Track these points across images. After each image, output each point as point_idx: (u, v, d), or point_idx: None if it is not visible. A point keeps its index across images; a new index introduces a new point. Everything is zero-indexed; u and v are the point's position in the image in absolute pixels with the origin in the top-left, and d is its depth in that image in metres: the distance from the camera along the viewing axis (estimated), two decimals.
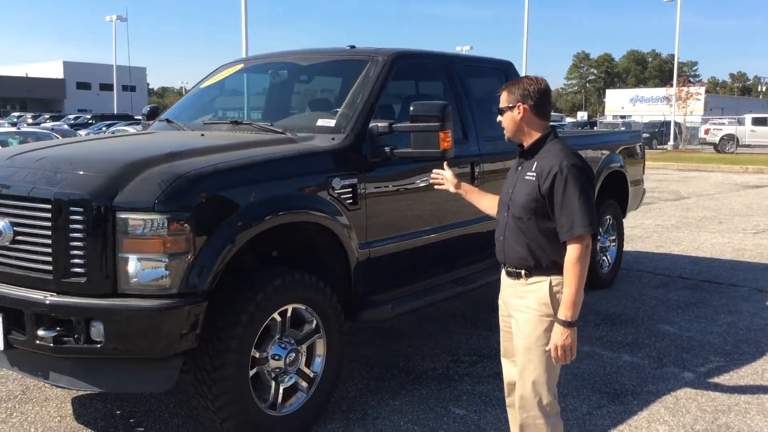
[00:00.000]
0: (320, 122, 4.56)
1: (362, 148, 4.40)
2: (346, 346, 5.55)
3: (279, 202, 3.82)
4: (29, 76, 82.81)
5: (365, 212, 4.37)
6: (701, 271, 8.46)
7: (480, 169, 5.34)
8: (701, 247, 10.05)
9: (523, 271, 3.14)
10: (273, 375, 3.92)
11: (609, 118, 63.61)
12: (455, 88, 5.36)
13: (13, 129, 19.17)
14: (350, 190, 4.26)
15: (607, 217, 7.52)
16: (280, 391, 3.95)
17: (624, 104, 77.51)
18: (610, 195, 7.56)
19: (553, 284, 3.08)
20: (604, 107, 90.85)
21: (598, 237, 7.27)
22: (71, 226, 3.46)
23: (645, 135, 43.11)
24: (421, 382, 4.90)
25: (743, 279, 8.07)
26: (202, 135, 4.58)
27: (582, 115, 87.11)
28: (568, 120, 79.26)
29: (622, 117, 62.12)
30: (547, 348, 3.02)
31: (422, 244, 4.89)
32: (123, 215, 3.40)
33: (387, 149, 4.43)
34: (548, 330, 3.05)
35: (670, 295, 7.31)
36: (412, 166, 4.72)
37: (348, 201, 4.25)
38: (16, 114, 60.90)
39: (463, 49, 66.31)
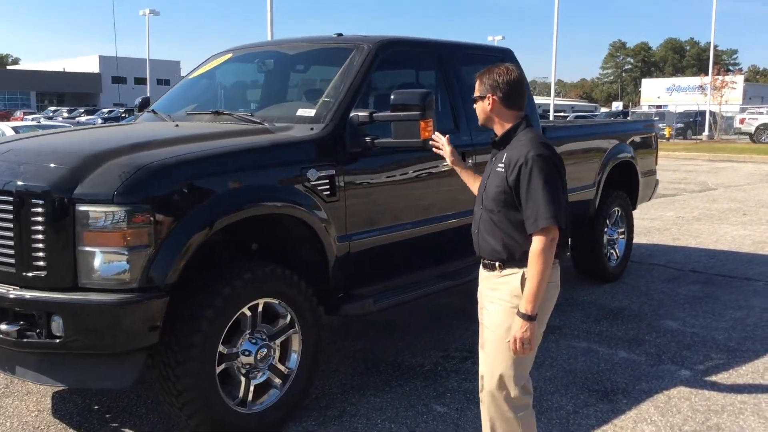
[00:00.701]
0: (300, 112, 4.47)
1: (343, 139, 4.30)
2: (337, 340, 5.55)
3: (247, 194, 3.73)
4: (66, 70, 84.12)
5: (344, 204, 4.27)
6: (716, 265, 8.21)
7: (473, 160, 5.18)
8: (720, 240, 9.77)
9: (497, 263, 3.09)
10: (243, 371, 3.84)
11: (645, 108, 62.68)
12: (447, 77, 5.22)
13: (32, 123, 19.41)
14: (327, 181, 4.15)
15: (615, 209, 7.32)
16: (251, 387, 3.87)
17: (660, 94, 76.31)
18: (619, 186, 7.36)
19: (525, 276, 3.00)
20: (640, 97, 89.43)
21: (604, 229, 7.10)
22: (32, 218, 3.42)
23: (679, 125, 42.46)
24: (407, 378, 4.79)
25: (759, 273, 7.81)
26: (177, 126, 4.51)
27: (617, 105, 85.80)
28: (603, 110, 78.19)
29: (658, 107, 61.19)
30: (507, 340, 2.96)
31: (407, 238, 4.77)
32: (83, 207, 3.34)
33: (368, 139, 4.32)
34: (517, 323, 2.97)
35: (679, 290, 7.09)
36: (396, 157, 4.61)
37: (325, 193, 4.14)
38: (53, 108, 61.98)
39: (495, 39, 65.69)
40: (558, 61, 39.89)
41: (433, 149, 3.82)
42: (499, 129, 3.17)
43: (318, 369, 4.26)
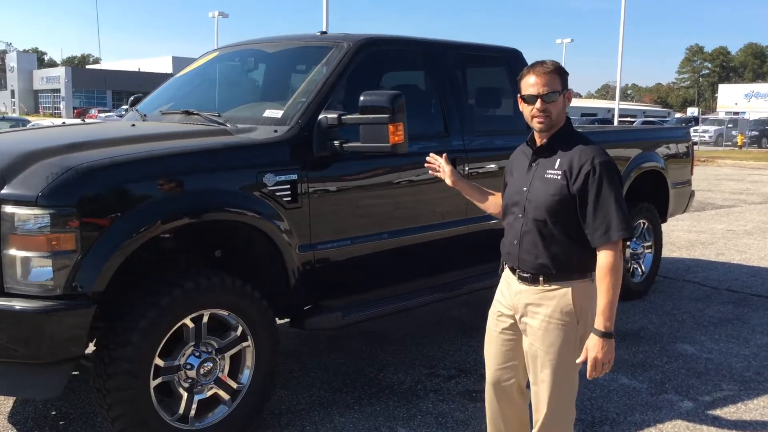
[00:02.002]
0: (267, 113, 4.24)
1: (309, 142, 4.04)
2: (323, 351, 5.30)
3: (187, 199, 3.51)
4: (141, 70, 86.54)
5: (308, 212, 4.02)
6: (755, 284, 7.62)
7: (465, 166, 4.87)
8: None
9: (541, 277, 2.86)
10: (186, 385, 3.63)
11: (721, 114, 60.43)
12: (439, 78, 4.91)
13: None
14: (288, 187, 3.91)
15: (641, 221, 6.85)
16: (194, 403, 3.66)
17: (738, 100, 73.52)
18: (645, 197, 6.89)
19: (574, 289, 2.82)
20: (716, 103, 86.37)
21: (628, 243, 6.64)
22: None
23: (753, 133, 40.66)
24: (381, 396, 4.51)
25: None
26: (133, 125, 4.35)
27: (692, 111, 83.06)
28: (677, 116, 75.76)
29: (735, 113, 58.94)
30: (579, 360, 2.79)
31: (385, 249, 4.49)
32: (8, 209, 3.19)
33: (336, 143, 4.06)
34: (571, 340, 2.84)
35: (707, 310, 6.58)
36: (371, 163, 4.34)
37: (285, 199, 3.90)
38: (125, 107, 63.75)
39: (563, 41, 64.43)
40: (632, 64, 38.80)
41: (430, 172, 3.51)
42: (551, 131, 2.89)
43: (275, 385, 4.02)
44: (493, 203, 3.35)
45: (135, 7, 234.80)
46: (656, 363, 5.18)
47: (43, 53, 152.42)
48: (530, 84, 2.84)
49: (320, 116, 4.08)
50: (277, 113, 4.18)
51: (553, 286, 2.86)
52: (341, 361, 5.13)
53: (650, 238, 7.01)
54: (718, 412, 4.36)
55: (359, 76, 4.52)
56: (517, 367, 3.09)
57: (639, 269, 6.95)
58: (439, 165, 3.43)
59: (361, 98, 3.95)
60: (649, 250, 7.03)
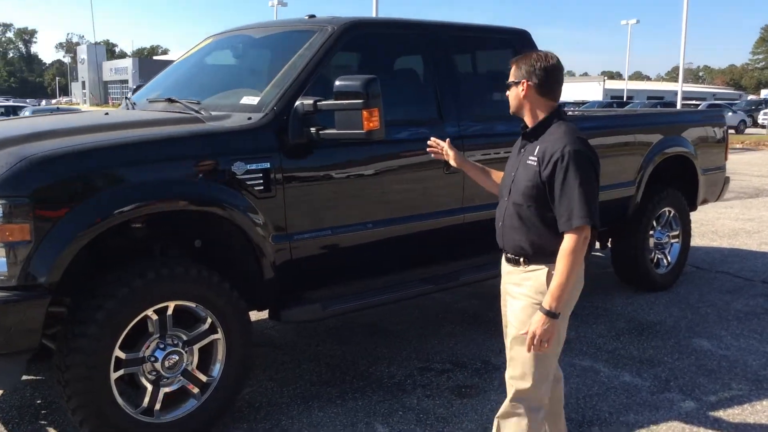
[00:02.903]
0: (244, 100, 4.14)
1: (285, 129, 3.93)
2: (320, 342, 5.21)
3: (147, 188, 3.43)
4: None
5: (283, 201, 3.91)
6: None
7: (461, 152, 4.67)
8: None
9: (521, 258, 3.00)
10: (152, 378, 3.58)
11: None
12: (434, 61, 4.72)
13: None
14: (260, 175, 3.81)
15: (666, 209, 6.52)
16: (160, 395, 3.61)
17: None
18: (671, 184, 6.56)
19: (551, 272, 2.88)
20: None
21: (651, 232, 6.36)
22: None
23: None
24: (367, 390, 4.39)
25: None
26: (106, 114, 4.31)
27: (766, 93, 79.81)
28: (750, 97, 72.86)
29: None
30: (522, 332, 2.90)
31: (369, 239, 4.35)
32: None
33: (313, 130, 3.94)
34: None
35: (734, 303, 6.23)
36: (353, 150, 4.19)
37: (258, 188, 3.80)
38: None
39: (629, 22, 62.55)
40: (704, 45, 37.39)
41: (433, 156, 3.60)
42: (530, 119, 3.03)
43: (247, 378, 3.95)
44: (494, 184, 3.45)
45: None
46: (666, 359, 4.91)
47: (114, 45, 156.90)
48: None
49: (297, 103, 3.96)
50: (254, 100, 4.08)
51: (532, 267, 2.97)
52: (337, 353, 5.03)
53: (677, 227, 6.67)
54: (720, 413, 4.09)
55: (345, 61, 4.39)
56: None
57: (664, 260, 6.62)
58: (442, 148, 3.51)
59: (336, 83, 3.82)
60: (676, 240, 6.69)
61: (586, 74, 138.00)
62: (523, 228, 2.96)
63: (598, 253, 7.13)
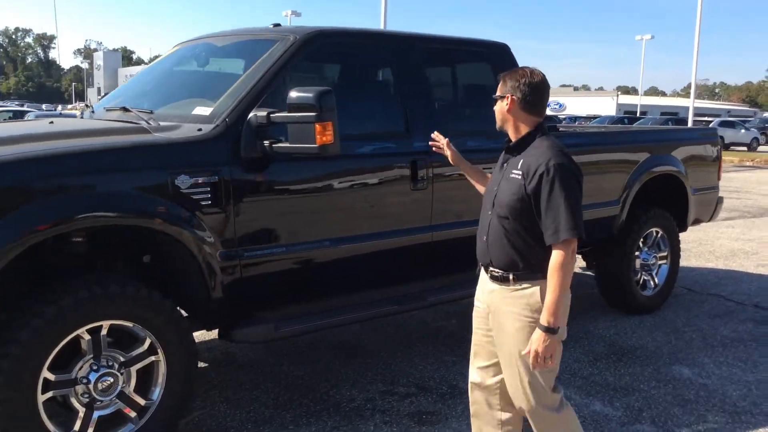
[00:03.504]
0: (197, 110, 3.98)
1: (237, 142, 3.77)
2: (285, 363, 5.03)
3: (76, 202, 3.26)
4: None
5: (233, 216, 3.74)
6: None
7: (429, 171, 4.49)
8: None
9: (511, 275, 2.97)
10: (85, 400, 3.41)
11: None
12: (402, 74, 4.55)
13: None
14: (208, 189, 3.65)
15: (654, 229, 6.31)
16: (93, 419, 3.43)
17: None
18: (659, 203, 6.34)
19: (542, 288, 2.90)
20: None
21: (637, 253, 6.15)
22: None
23: None
24: (323, 415, 4.20)
25: None
26: (51, 122, 4.16)
27: None
28: (765, 114, 72.23)
29: None
30: (524, 352, 2.88)
31: (329, 257, 4.17)
32: None
33: (266, 143, 3.78)
34: None
35: (722, 328, 6.00)
36: (311, 165, 4.01)
37: (204, 203, 3.64)
38: None
39: (643, 38, 62.19)
40: (720, 61, 37.10)
41: (434, 149, 3.72)
42: (514, 133, 3.07)
43: (189, 401, 3.77)
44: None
45: (214, 6, 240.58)
46: (642, 387, 4.69)
47: (132, 52, 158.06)
48: None
49: (250, 114, 3.80)
50: (206, 111, 3.92)
51: (523, 285, 2.95)
52: (300, 374, 4.84)
53: (665, 248, 6.45)
54: None
55: (307, 72, 4.24)
56: (497, 366, 3.17)
57: (651, 282, 6.41)
58: (442, 144, 3.62)
59: (289, 95, 3.67)
60: (664, 261, 6.47)
61: (601, 89, 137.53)
62: (509, 242, 2.95)
63: (588, 273, 6.91)
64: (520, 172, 2.92)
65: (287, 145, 3.72)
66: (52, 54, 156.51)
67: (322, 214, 4.12)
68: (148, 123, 3.89)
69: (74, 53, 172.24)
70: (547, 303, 2.81)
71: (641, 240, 6.22)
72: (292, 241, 4.00)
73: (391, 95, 4.58)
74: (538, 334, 2.81)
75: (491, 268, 3.04)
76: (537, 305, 2.89)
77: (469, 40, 5.19)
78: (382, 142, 4.39)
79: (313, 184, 4.08)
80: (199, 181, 3.62)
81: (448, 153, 3.60)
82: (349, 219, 4.23)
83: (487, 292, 3.10)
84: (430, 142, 3.68)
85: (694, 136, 6.87)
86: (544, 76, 3.07)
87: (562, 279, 2.79)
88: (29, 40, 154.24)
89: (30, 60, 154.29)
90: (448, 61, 5.07)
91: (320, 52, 4.29)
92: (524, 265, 2.93)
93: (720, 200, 7.07)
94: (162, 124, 3.89)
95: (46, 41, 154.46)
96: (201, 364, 5.01)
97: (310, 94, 3.59)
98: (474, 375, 3.30)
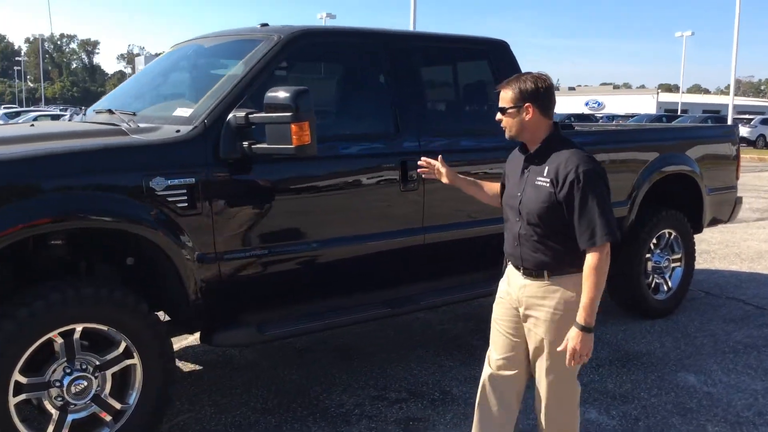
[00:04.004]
0: (177, 111, 3.95)
1: (216, 143, 3.73)
2: (279, 365, 4.97)
3: (44, 205, 3.24)
4: None
5: (211, 218, 3.70)
6: None
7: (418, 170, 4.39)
8: None
9: (545, 272, 3.02)
10: (59, 404, 3.40)
11: None
12: (391, 73, 4.45)
13: None
14: (184, 191, 3.61)
15: (666, 231, 6.11)
16: (68, 422, 3.42)
17: None
18: (672, 204, 6.15)
19: (576, 282, 2.94)
20: None
21: (648, 255, 5.98)
22: None
23: None
24: (308, 420, 4.14)
25: None
26: (32, 125, 4.16)
27: None
28: None
29: None
30: (559, 349, 2.94)
31: (315, 260, 4.11)
32: None
33: (246, 144, 3.73)
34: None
35: (735, 334, 5.78)
36: (294, 166, 3.96)
37: (181, 205, 3.60)
38: None
39: (683, 34, 60.89)
40: (734, 60, 36.45)
41: (423, 176, 3.66)
42: (533, 141, 3.06)
43: (167, 406, 3.73)
44: (492, 195, 3.48)
45: (256, 8, 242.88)
46: (642, 395, 4.53)
47: None
48: (500, 98, 3.07)
49: (230, 115, 3.76)
50: (187, 112, 3.89)
51: (557, 279, 2.99)
52: (293, 378, 4.79)
53: (679, 250, 6.25)
54: None
55: (291, 72, 4.18)
56: (515, 360, 3.21)
57: (664, 285, 6.20)
58: (433, 167, 3.48)
59: (267, 95, 3.62)
60: (678, 264, 6.27)
61: (643, 86, 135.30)
62: (543, 246, 3.00)
63: None
64: (548, 180, 2.95)
65: (265, 146, 3.67)
66: (97, 59, 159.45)
67: (306, 216, 4.06)
68: (128, 125, 3.87)
69: (117, 58, 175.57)
70: (583, 303, 2.87)
71: (653, 242, 6.04)
72: (274, 243, 3.95)
73: (381, 95, 4.49)
74: (575, 333, 2.87)
75: (522, 269, 3.09)
76: (572, 299, 2.96)
77: (467, 37, 5.08)
78: (370, 142, 4.32)
79: (297, 185, 4.02)
80: (175, 183, 3.58)
81: (443, 171, 3.44)
82: (335, 221, 4.16)
83: (518, 286, 3.12)
84: (418, 170, 3.54)
85: (711, 134, 6.66)
86: (550, 77, 3.09)
87: (598, 280, 2.85)
88: (74, 45, 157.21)
89: (75, 65, 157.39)
90: (443, 59, 4.98)
91: (305, 51, 4.23)
92: (558, 263, 2.99)
93: (739, 200, 6.83)
94: (141, 125, 3.86)
95: (90, 47, 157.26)
96: (195, 367, 4.99)
97: (286, 94, 3.54)
98: (489, 365, 3.32)
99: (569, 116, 35.29)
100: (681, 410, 4.32)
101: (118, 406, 3.55)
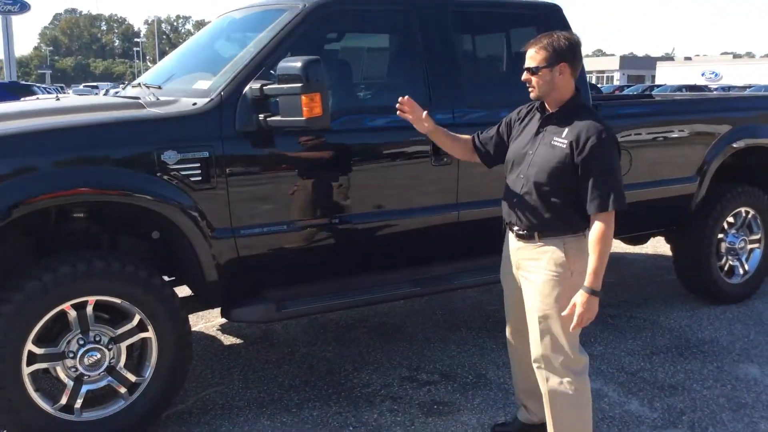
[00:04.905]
0: (197, 84, 3.90)
1: (231, 116, 3.66)
2: (316, 342, 4.91)
3: (52, 179, 3.26)
4: None
5: (225, 193, 3.64)
6: None
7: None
8: None
9: (536, 233, 3.08)
10: (74, 374, 3.45)
11: None
12: (424, 40, 4.23)
13: None
14: (198, 165, 3.57)
15: (743, 209, 5.63)
16: (82, 392, 3.47)
17: None
18: (749, 179, 5.66)
19: (566, 244, 3.02)
20: None
21: (721, 235, 5.56)
22: None
23: None
24: (330, 399, 4.06)
25: None
26: (57, 99, 4.21)
27: None
28: None
29: None
30: (564, 314, 2.95)
31: (339, 236, 4.00)
32: None
33: (261, 117, 3.64)
34: (564, 291, 3.00)
35: None
36: (314, 139, 3.84)
37: (194, 179, 3.56)
38: None
39: None
40: None
41: (398, 113, 3.50)
42: (556, 102, 3.06)
43: (182, 380, 3.72)
44: (462, 149, 3.53)
45: None
46: (694, 386, 4.20)
47: None
48: (526, 57, 3.06)
49: (246, 87, 3.68)
50: (206, 84, 3.84)
51: (546, 241, 3.05)
52: (328, 355, 4.72)
53: (758, 231, 5.75)
54: None
55: (314, 42, 4.04)
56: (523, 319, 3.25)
57: (740, 268, 5.73)
58: (411, 109, 3.44)
59: (279, 65, 3.52)
60: (757, 245, 5.77)
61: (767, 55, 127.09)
62: (543, 205, 3.01)
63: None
64: (566, 142, 2.95)
65: (278, 118, 3.57)
66: None
67: (326, 192, 3.95)
68: (148, 98, 3.85)
69: None
70: (592, 268, 2.88)
71: (727, 221, 5.58)
72: (293, 219, 3.86)
73: (412, 64, 4.28)
74: (582, 296, 2.87)
75: (516, 228, 3.14)
76: (561, 260, 3.01)
77: (516, 2, 4.78)
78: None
79: (316, 159, 3.91)
80: (188, 157, 3.54)
81: (422, 114, 3.42)
82: (358, 197, 4.01)
83: (513, 249, 3.21)
84: (398, 113, 3.46)
85: None
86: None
87: (607, 245, 2.90)
88: (189, 26, 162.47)
89: None
90: (484, 25, 4.69)
91: (331, 19, 4.08)
92: (550, 225, 3.02)
93: None
94: (162, 99, 3.84)
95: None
96: (236, 341, 5.01)
97: (296, 64, 3.42)
98: (508, 333, 3.46)
99: (680, 87, 33.61)
100: (734, 405, 3.97)
101: (133, 378, 3.57)
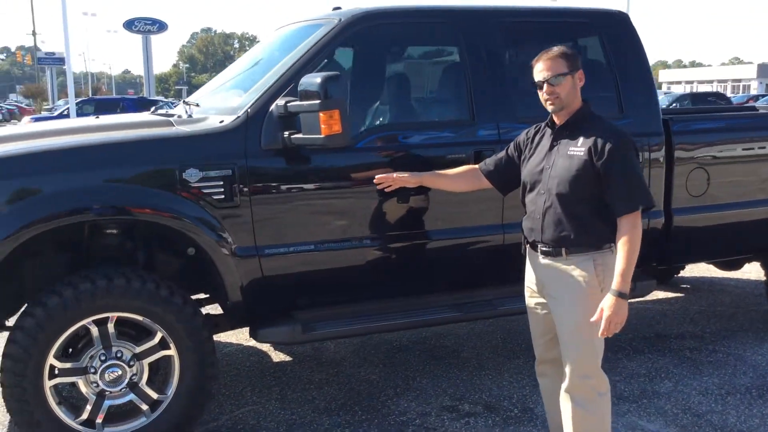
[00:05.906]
0: (229, 102, 3.89)
1: (257, 133, 3.61)
2: (362, 364, 4.76)
3: (71, 198, 3.31)
4: None
5: (249, 211, 3.59)
6: None
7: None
8: None
9: (563, 249, 3.01)
10: (95, 390, 3.49)
11: None
12: (469, 54, 4.02)
13: None
14: (221, 183, 3.53)
15: None
16: (104, 407, 3.49)
17: None
18: None
19: (597, 260, 2.98)
20: None
21: None
22: None
23: None
24: (362, 426, 3.91)
25: None
26: (97, 117, 4.27)
27: None
28: None
29: None
30: (593, 319, 2.89)
31: (370, 257, 3.86)
32: None
33: (286, 134, 3.57)
34: (595, 306, 2.91)
35: None
36: (344, 156, 3.73)
37: (217, 197, 3.53)
38: None
39: None
40: None
41: (386, 190, 3.66)
42: (569, 111, 3.03)
43: (205, 399, 3.67)
44: (465, 182, 3.56)
45: None
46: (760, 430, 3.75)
47: None
48: (538, 71, 3.00)
49: (272, 105, 3.62)
50: (236, 101, 3.82)
51: (574, 258, 2.99)
52: (373, 378, 4.57)
53: None
54: None
55: (350, 58, 3.93)
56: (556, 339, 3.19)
57: None
58: (390, 179, 3.59)
59: (301, 81, 3.44)
60: None
61: None
62: (567, 218, 2.97)
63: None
64: (583, 149, 2.93)
65: (300, 136, 3.48)
66: None
67: (356, 212, 3.82)
68: (182, 116, 3.87)
69: None
70: (620, 270, 2.84)
71: None
72: (321, 239, 3.75)
73: (454, 79, 4.09)
74: (610, 300, 2.83)
75: (540, 245, 3.07)
76: (591, 276, 2.96)
77: (568, 9, 4.48)
78: (438, 131, 3.97)
79: (345, 178, 3.79)
80: (211, 175, 3.51)
81: (405, 176, 3.60)
82: (392, 217, 3.87)
83: (538, 267, 3.14)
84: (379, 186, 3.63)
85: None
86: None
87: (636, 245, 2.86)
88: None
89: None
90: (538, 37, 4.40)
91: (368, 34, 3.95)
92: (576, 239, 2.96)
93: None
94: (194, 116, 3.85)
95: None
96: (285, 358, 4.95)
97: (315, 80, 3.33)
98: (537, 353, 3.37)
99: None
100: None
101: (155, 395, 3.57)
